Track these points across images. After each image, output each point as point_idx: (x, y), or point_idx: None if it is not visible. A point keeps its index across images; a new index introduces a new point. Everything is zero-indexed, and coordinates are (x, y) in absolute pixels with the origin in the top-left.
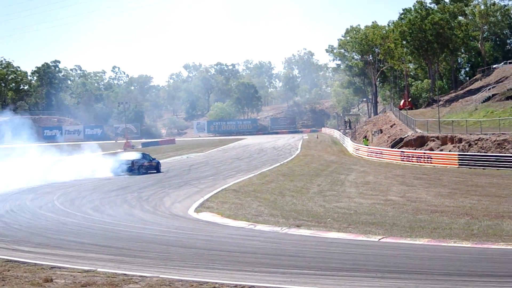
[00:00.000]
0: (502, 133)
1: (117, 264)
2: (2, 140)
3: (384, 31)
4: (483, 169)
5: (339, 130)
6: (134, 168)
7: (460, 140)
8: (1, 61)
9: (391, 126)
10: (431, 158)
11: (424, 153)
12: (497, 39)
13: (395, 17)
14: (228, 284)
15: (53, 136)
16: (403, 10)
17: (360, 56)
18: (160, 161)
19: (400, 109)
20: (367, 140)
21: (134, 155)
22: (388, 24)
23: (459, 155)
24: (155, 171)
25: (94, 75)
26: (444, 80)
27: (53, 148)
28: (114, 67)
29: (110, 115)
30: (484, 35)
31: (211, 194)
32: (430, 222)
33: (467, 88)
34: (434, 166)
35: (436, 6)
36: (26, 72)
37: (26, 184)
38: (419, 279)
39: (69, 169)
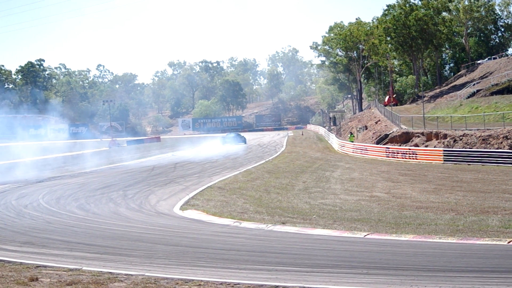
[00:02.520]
0: (487, 129)
1: (102, 262)
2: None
3: (368, 28)
4: (468, 164)
5: (324, 127)
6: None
7: (445, 136)
8: None
9: (376, 123)
10: (416, 154)
11: (409, 149)
12: (481, 34)
13: (379, 14)
14: (213, 281)
15: (38, 135)
16: (387, 6)
17: (344, 52)
18: (146, 159)
19: (385, 105)
20: (353, 136)
21: (233, 133)
22: (372, 20)
23: (444, 151)
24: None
25: (78, 74)
26: (428, 76)
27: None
28: (99, 65)
29: (95, 114)
30: (468, 30)
31: (197, 192)
32: (416, 218)
33: (452, 84)
34: (419, 162)
35: (420, 2)
36: (10, 71)
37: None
38: (405, 275)
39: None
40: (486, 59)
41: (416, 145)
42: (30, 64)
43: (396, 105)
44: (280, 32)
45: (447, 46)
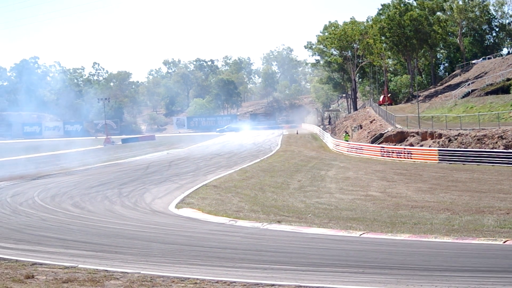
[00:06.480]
0: (482, 129)
1: (98, 260)
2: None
3: (363, 27)
4: (463, 164)
5: (319, 126)
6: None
7: (440, 136)
8: None
9: (371, 122)
10: (411, 154)
11: (404, 148)
12: (476, 34)
13: (373, 13)
14: (209, 280)
15: (33, 133)
16: (382, 6)
17: (339, 52)
18: (140, 157)
19: (380, 104)
20: (348, 135)
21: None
22: (367, 20)
23: (439, 150)
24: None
25: (73, 71)
26: (423, 76)
27: None
28: (94, 63)
29: (90, 111)
30: (463, 30)
31: (192, 190)
32: (411, 217)
33: (446, 84)
34: (414, 161)
35: (414, 2)
36: (5, 69)
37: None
38: (400, 274)
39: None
40: (481, 59)
41: (411, 145)
42: (24, 62)
43: (391, 104)
44: (275, 31)
45: (441, 46)
